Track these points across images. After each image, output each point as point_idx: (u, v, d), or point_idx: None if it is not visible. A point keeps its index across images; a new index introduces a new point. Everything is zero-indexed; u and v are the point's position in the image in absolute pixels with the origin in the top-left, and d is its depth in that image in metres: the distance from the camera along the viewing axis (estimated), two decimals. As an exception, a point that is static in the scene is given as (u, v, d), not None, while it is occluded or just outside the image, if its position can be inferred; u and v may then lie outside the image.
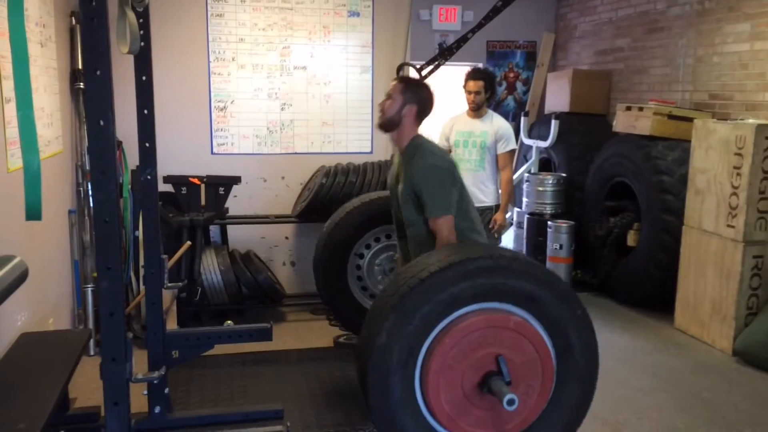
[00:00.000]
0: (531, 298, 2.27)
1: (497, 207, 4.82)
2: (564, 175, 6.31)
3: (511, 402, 2.14)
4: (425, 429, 2.26)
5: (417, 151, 2.94)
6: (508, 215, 5.22)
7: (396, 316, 2.17)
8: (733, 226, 4.39)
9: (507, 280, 2.26)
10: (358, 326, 3.63)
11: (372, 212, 3.55)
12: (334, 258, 3.64)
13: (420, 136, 3.01)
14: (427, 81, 5.23)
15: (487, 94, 4.77)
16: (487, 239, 3.35)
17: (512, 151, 4.83)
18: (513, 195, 4.90)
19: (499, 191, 4.86)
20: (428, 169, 2.85)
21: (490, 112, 4.89)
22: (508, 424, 2.30)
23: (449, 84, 5.66)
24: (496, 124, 4.78)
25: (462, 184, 3.00)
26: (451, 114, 5.11)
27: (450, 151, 4.93)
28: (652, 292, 5.25)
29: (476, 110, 4.80)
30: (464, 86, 4.84)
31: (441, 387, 2.22)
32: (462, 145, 4.84)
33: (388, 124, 2.98)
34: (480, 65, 7.45)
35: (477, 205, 4.79)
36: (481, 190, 4.79)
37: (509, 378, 2.24)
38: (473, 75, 4.82)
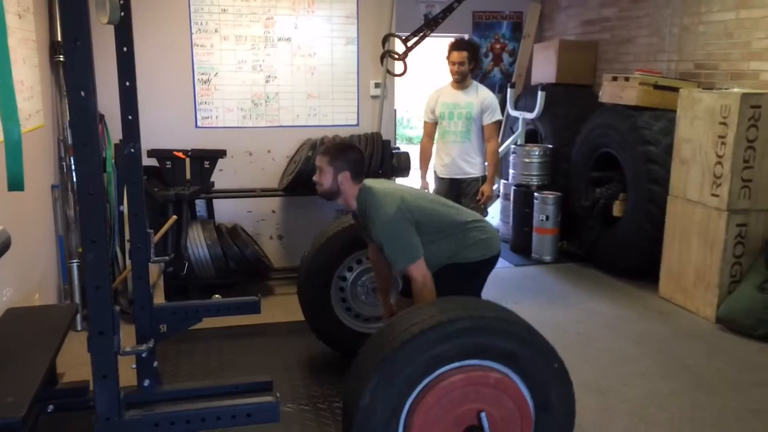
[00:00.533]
0: (510, 355, 2.33)
1: (484, 178, 4.82)
2: (550, 146, 6.32)
3: None
4: None
5: (366, 207, 3.00)
6: (494, 186, 5.22)
7: (378, 378, 2.22)
8: (717, 195, 4.43)
9: (487, 339, 2.31)
10: (344, 347, 3.73)
11: (352, 237, 3.62)
12: (318, 282, 3.72)
13: (362, 190, 3.03)
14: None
15: (471, 65, 4.75)
16: (467, 209, 3.37)
17: (498, 122, 4.83)
18: (499, 166, 4.90)
19: (486, 162, 4.86)
20: (380, 226, 2.91)
21: (475, 83, 4.86)
22: None
23: (435, 55, 5.61)
24: (481, 95, 4.76)
25: (417, 205, 3.01)
26: (436, 86, 5.09)
27: (436, 122, 4.91)
28: (638, 262, 5.30)
29: (460, 81, 4.77)
30: (447, 57, 4.81)
31: None
32: (447, 117, 4.82)
33: (330, 196, 3.06)
34: (466, 36, 7.42)
35: (463, 176, 4.81)
36: (467, 162, 4.81)
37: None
38: (457, 46, 4.78)
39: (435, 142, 5.07)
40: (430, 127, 5.01)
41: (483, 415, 2.29)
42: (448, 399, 2.27)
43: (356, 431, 2.23)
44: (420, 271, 2.90)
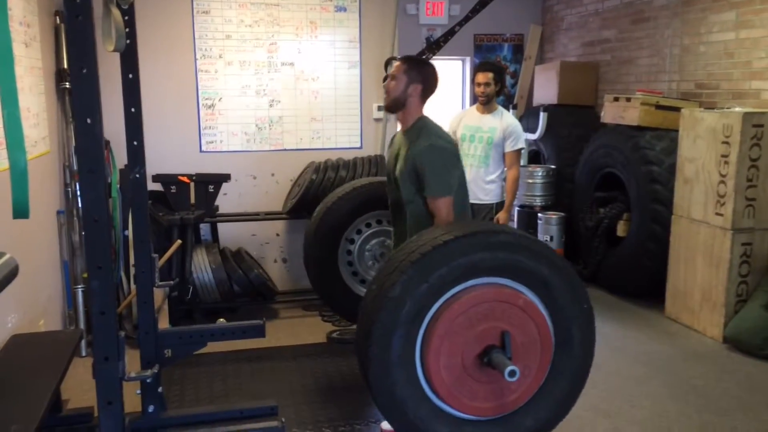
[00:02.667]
0: (544, 283, 2.29)
1: (498, 205, 4.69)
2: (553, 166, 6.33)
3: (512, 373, 2.15)
4: (416, 390, 2.26)
5: (422, 131, 2.91)
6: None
7: (414, 272, 2.17)
8: (721, 215, 4.42)
9: (526, 259, 2.27)
10: (350, 312, 3.63)
11: (362, 198, 3.54)
12: (325, 244, 3.62)
13: (426, 117, 2.99)
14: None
15: (496, 87, 4.64)
16: None
17: (520, 150, 4.68)
18: (516, 194, 4.78)
19: (503, 189, 4.72)
20: (432, 149, 2.83)
21: (501, 108, 4.74)
22: (498, 400, 2.31)
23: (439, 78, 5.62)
24: (505, 121, 4.64)
25: (462, 171, 2.97)
26: (441, 107, 5.08)
27: (456, 145, 4.83)
28: (643, 282, 5.28)
29: (486, 103, 4.65)
30: (473, 79, 4.76)
31: (442, 351, 2.22)
32: (468, 140, 4.70)
33: (394, 105, 2.96)
34: (467, 59, 7.48)
35: (475, 202, 4.74)
36: (481, 188, 4.67)
37: (510, 355, 2.27)
38: (482, 67, 4.74)
39: None
40: None
41: (508, 335, 2.25)
42: (475, 311, 2.23)
43: (379, 322, 2.17)
44: (446, 207, 2.80)
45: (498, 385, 2.28)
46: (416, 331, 2.22)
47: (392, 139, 3.20)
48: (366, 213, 3.65)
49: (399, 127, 3.06)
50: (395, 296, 2.16)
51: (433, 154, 2.83)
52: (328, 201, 3.64)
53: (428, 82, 2.94)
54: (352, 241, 3.66)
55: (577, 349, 2.38)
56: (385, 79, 5.24)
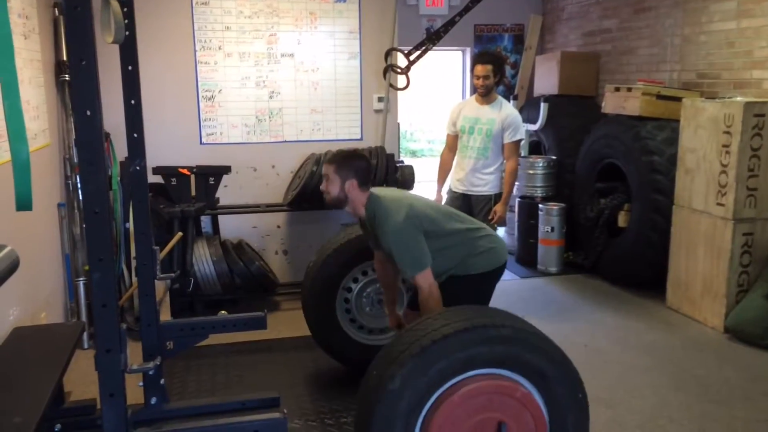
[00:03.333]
0: (541, 374, 2.33)
1: (497, 196, 4.67)
2: (554, 157, 6.32)
3: None
4: None
5: (375, 214, 3.00)
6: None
7: (413, 365, 2.22)
8: (722, 205, 4.42)
9: (525, 353, 2.32)
10: (349, 359, 3.72)
11: (358, 248, 3.62)
12: (323, 294, 3.70)
13: (370, 197, 3.04)
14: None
15: (495, 78, 4.60)
16: (475, 219, 3.38)
17: (519, 141, 4.66)
18: (514, 185, 4.75)
19: (502, 180, 4.70)
20: (390, 234, 2.91)
21: (500, 98, 4.71)
22: None
23: (438, 69, 5.62)
24: (504, 112, 4.61)
25: (425, 213, 3.02)
26: (442, 98, 5.06)
27: (457, 135, 4.82)
28: (644, 272, 5.28)
29: (485, 95, 4.62)
30: (472, 70, 4.70)
31: None
32: (467, 131, 4.68)
33: (338, 204, 3.06)
34: (467, 49, 7.45)
35: (474, 193, 4.74)
36: (480, 179, 4.66)
37: None
38: (481, 58, 4.66)
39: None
40: (452, 140, 4.86)
41: (504, 426, 2.28)
42: (473, 402, 2.25)
43: (378, 414, 2.20)
44: (427, 281, 2.90)
45: None
46: (414, 422, 2.26)
47: (361, 224, 3.30)
48: (361, 263, 3.73)
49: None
50: (395, 389, 2.21)
51: (391, 238, 2.91)
52: (323, 254, 3.74)
53: (362, 174, 3.02)
54: (350, 290, 3.75)
55: None
56: (385, 72, 5.28)
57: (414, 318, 3.06)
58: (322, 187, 3.08)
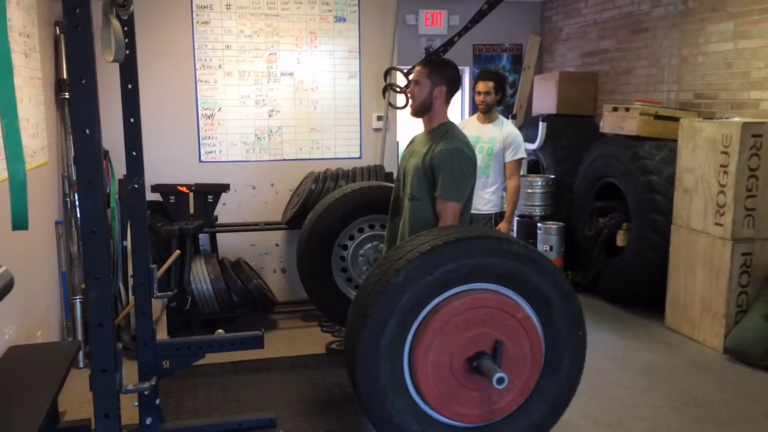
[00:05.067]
0: (546, 301, 2.29)
1: (498, 215, 4.64)
2: (553, 176, 6.34)
3: (500, 381, 2.14)
4: (398, 381, 2.25)
5: (447, 134, 2.92)
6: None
7: (420, 262, 2.16)
8: (721, 224, 4.42)
9: (534, 273, 2.27)
10: (344, 318, 3.61)
11: (353, 203, 3.52)
12: (318, 252, 3.59)
13: (452, 124, 3.01)
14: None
15: (497, 96, 4.63)
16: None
17: (520, 160, 4.65)
18: (517, 204, 4.75)
19: (503, 200, 4.70)
20: (456, 152, 2.84)
21: (502, 117, 4.72)
22: (476, 409, 2.29)
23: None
24: (505, 130, 4.62)
25: (475, 183, 2.97)
26: (455, 118, 5.07)
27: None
28: (643, 292, 5.27)
29: (486, 112, 4.64)
30: (474, 87, 4.74)
31: (433, 347, 2.21)
32: None
33: (422, 109, 2.98)
34: (467, 69, 7.49)
35: (474, 212, 4.72)
36: (481, 198, 4.60)
37: (500, 365, 2.26)
38: (483, 76, 4.73)
39: None
40: None
41: (501, 345, 2.24)
42: (473, 313, 2.22)
43: (377, 306, 2.16)
44: (453, 212, 2.79)
45: (479, 394, 2.27)
46: (412, 321, 2.21)
47: (412, 139, 3.21)
48: (358, 218, 3.63)
49: (424, 128, 3.08)
50: (398, 282, 2.15)
51: (454, 157, 2.83)
52: (319, 208, 3.64)
53: (451, 82, 2.98)
54: (345, 247, 3.64)
55: (563, 374, 2.37)
56: (384, 91, 5.30)
57: None
58: (409, 91, 3.00)
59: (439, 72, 2.96)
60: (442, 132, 2.95)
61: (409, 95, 3.02)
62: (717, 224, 4.45)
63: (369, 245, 3.67)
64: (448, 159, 2.82)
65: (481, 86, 4.62)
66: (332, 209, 3.59)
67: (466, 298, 2.21)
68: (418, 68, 3.02)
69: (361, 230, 3.66)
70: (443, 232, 2.32)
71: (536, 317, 2.30)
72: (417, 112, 3.03)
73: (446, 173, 2.82)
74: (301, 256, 3.68)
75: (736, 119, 4.54)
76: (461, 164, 2.84)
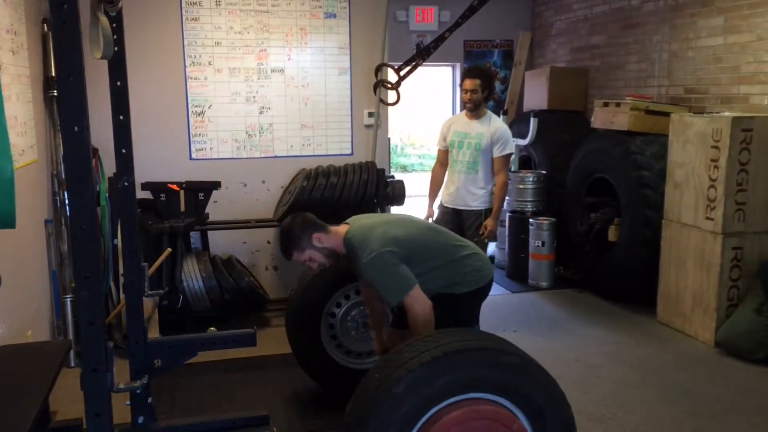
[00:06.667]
0: (539, 411, 2.32)
1: (487, 211, 4.65)
2: (544, 172, 6.35)
3: None
4: None
5: (353, 248, 2.94)
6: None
7: (421, 373, 2.19)
8: (711, 219, 4.44)
9: (528, 385, 2.30)
10: (337, 385, 3.63)
11: (338, 272, 3.58)
12: (307, 321, 3.66)
13: (346, 233, 3.00)
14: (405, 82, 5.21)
15: (484, 93, 4.59)
16: (459, 236, 3.36)
17: (508, 155, 4.65)
18: (504, 200, 4.75)
19: (492, 196, 4.68)
20: (367, 264, 2.85)
21: (490, 113, 4.71)
22: None
23: (428, 84, 5.63)
24: (493, 126, 4.61)
25: (405, 235, 2.97)
26: (441, 117, 5.03)
27: (447, 150, 4.80)
28: (634, 287, 5.29)
29: (473, 110, 4.63)
30: (461, 84, 4.70)
31: None
32: (457, 146, 4.68)
33: (333, 261, 3.09)
34: (457, 65, 7.49)
35: (465, 208, 4.71)
36: (471, 194, 4.65)
37: None
38: (469, 73, 4.69)
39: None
40: (443, 155, 4.85)
41: None
42: (471, 424, 2.22)
43: (376, 415, 2.18)
44: (418, 301, 2.80)
45: None
46: (409, 431, 2.23)
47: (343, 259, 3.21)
48: (343, 287, 3.70)
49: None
50: (398, 393, 2.18)
51: (370, 266, 2.85)
52: (303, 280, 3.72)
53: (310, 225, 3.01)
54: (333, 315, 3.71)
55: None
56: (375, 87, 5.28)
57: (398, 337, 3.03)
58: (315, 267, 3.13)
59: (300, 238, 2.97)
60: (350, 250, 2.97)
61: (312, 268, 3.17)
62: (708, 218, 4.47)
63: (356, 311, 3.75)
64: (370, 271, 2.86)
65: (468, 84, 4.59)
66: (317, 280, 3.67)
67: (465, 409, 2.24)
68: (287, 255, 3.05)
69: (347, 297, 3.73)
70: (445, 339, 2.33)
71: (530, 427, 2.33)
72: (333, 265, 3.18)
73: (379, 284, 2.88)
74: (290, 327, 3.75)
75: (726, 114, 4.56)
76: (379, 264, 2.83)
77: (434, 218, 4.85)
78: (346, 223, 3.09)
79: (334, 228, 3.03)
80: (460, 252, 3.09)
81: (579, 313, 5.29)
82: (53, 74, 4.27)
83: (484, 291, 3.16)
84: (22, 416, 2.29)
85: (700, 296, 4.57)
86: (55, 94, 4.25)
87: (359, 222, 3.08)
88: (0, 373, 2.73)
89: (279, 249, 5.39)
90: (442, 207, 4.86)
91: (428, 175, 5.08)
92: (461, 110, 5.08)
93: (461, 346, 2.26)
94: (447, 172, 4.84)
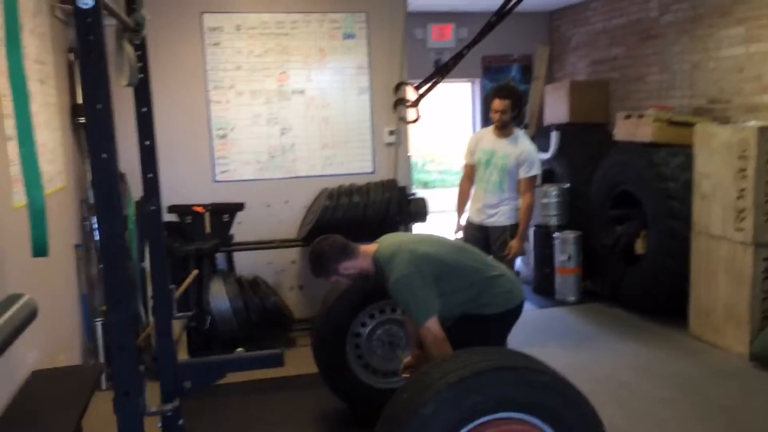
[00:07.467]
0: (570, 430, 2.29)
1: (512, 228, 4.59)
2: (567, 185, 6.30)
3: None
4: None
5: (382, 268, 2.97)
6: (525, 243, 5.02)
7: (449, 394, 2.17)
8: (742, 229, 4.37)
9: (558, 403, 2.27)
10: (365, 404, 3.62)
11: (362, 292, 3.59)
12: (332, 343, 3.66)
13: (375, 253, 3.03)
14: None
15: (513, 113, 4.55)
16: (489, 258, 3.33)
17: (534, 177, 4.60)
18: (529, 221, 4.73)
19: (517, 211, 4.63)
20: (393, 284, 2.88)
21: (517, 132, 4.65)
22: None
23: (447, 100, 5.64)
24: (520, 146, 4.56)
25: (434, 254, 2.98)
26: (461, 133, 5.02)
27: (473, 166, 4.76)
28: (664, 300, 5.21)
29: (502, 128, 4.59)
30: (490, 103, 4.65)
31: None
32: (484, 164, 4.63)
33: (364, 278, 3.11)
34: (476, 81, 7.50)
35: (490, 224, 4.67)
36: (497, 211, 4.62)
37: None
38: (499, 93, 4.61)
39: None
40: (470, 169, 4.81)
41: None
42: None
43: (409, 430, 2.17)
44: (431, 332, 2.81)
45: None
46: None
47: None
48: (367, 306, 3.71)
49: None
50: (426, 414, 2.16)
51: (395, 286, 2.88)
52: (327, 302, 3.72)
53: (340, 251, 3.03)
54: (359, 335, 3.72)
55: None
56: (395, 105, 5.30)
57: (423, 357, 3.01)
58: (343, 287, 3.16)
59: (328, 263, 3.01)
60: (380, 270, 2.99)
61: (341, 286, 3.20)
62: (737, 229, 4.40)
63: (381, 330, 3.76)
64: (394, 291, 2.90)
65: (498, 104, 4.53)
66: (340, 301, 3.66)
67: (493, 429, 2.22)
68: (317, 276, 3.11)
69: (372, 316, 3.74)
70: (473, 358, 2.32)
71: None
72: (364, 282, 3.19)
73: (404, 305, 2.91)
74: (315, 349, 3.77)
75: (752, 123, 4.50)
76: (404, 285, 2.85)
77: (464, 233, 4.84)
78: (377, 242, 3.10)
79: (363, 248, 3.04)
80: (490, 272, 3.07)
81: (608, 327, 5.22)
82: (80, 102, 4.36)
83: (513, 313, 3.11)
84: (55, 440, 2.31)
85: (732, 309, 4.49)
86: (82, 121, 4.33)
87: (389, 240, 3.10)
88: (34, 397, 2.77)
89: (304, 269, 5.45)
90: (468, 222, 4.83)
91: (449, 191, 5.08)
92: (482, 126, 5.08)
93: (489, 366, 2.24)
94: (474, 188, 4.81)
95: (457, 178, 5.02)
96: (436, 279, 2.90)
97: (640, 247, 5.43)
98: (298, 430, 2.97)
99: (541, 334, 5.10)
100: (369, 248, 3.05)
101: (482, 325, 3.01)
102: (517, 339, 4.63)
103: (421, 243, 3.03)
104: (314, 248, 3.08)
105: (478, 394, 2.19)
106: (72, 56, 4.43)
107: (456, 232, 4.86)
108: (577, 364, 4.43)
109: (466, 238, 4.70)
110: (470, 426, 2.21)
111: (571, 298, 5.91)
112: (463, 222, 4.88)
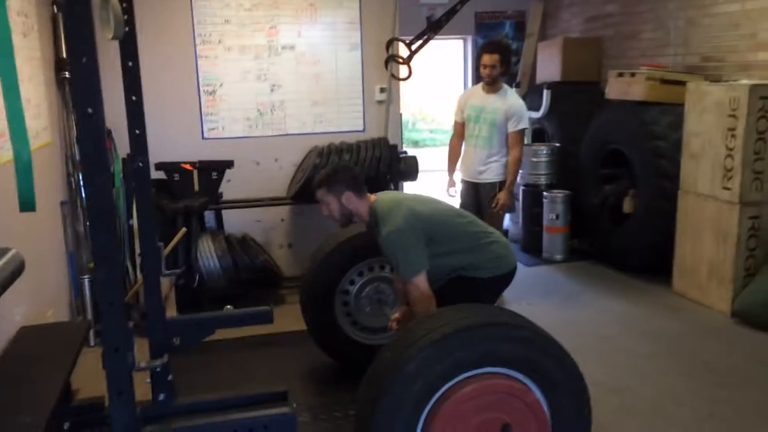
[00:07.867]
0: (552, 383, 2.32)
1: (501, 184, 4.70)
2: (558, 144, 6.30)
3: None
4: None
5: (377, 219, 3.01)
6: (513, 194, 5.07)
7: (432, 351, 2.21)
8: (728, 188, 4.39)
9: (541, 357, 2.31)
10: (353, 361, 3.64)
11: (351, 250, 3.60)
12: (320, 300, 3.68)
13: (374, 203, 3.07)
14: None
15: (502, 68, 4.63)
16: (483, 222, 3.35)
17: (522, 131, 4.68)
18: (517, 174, 4.79)
19: (506, 167, 4.72)
20: (384, 237, 2.91)
21: (506, 87, 4.73)
22: None
23: (440, 58, 5.58)
24: (508, 101, 4.65)
25: (429, 214, 3.01)
26: (453, 90, 5.03)
27: (464, 123, 4.83)
28: (650, 258, 5.27)
29: (491, 84, 4.67)
30: (478, 59, 4.72)
31: None
32: (473, 120, 4.73)
33: (347, 220, 3.12)
34: (469, 38, 7.41)
35: (480, 181, 4.75)
36: (486, 166, 4.71)
37: None
38: (488, 48, 4.69)
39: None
40: (460, 127, 4.91)
41: (508, 429, 2.27)
42: (483, 399, 2.25)
43: (389, 395, 2.21)
44: (419, 287, 2.87)
45: None
46: (422, 408, 2.25)
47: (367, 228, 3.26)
48: (356, 264, 3.71)
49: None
50: (410, 372, 2.20)
51: (387, 239, 2.91)
52: (316, 259, 3.72)
53: (352, 183, 3.08)
54: (347, 293, 3.74)
55: None
56: (386, 62, 5.24)
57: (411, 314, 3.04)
58: (324, 212, 3.12)
59: (335, 184, 3.06)
60: (374, 220, 3.02)
61: (326, 216, 3.17)
62: (725, 188, 4.42)
63: (370, 287, 3.77)
64: (386, 246, 2.92)
65: (487, 59, 4.60)
66: (329, 259, 3.67)
67: (477, 384, 2.25)
68: (317, 191, 3.13)
69: (361, 273, 3.75)
70: (455, 315, 2.34)
71: (543, 400, 2.34)
72: (346, 223, 3.20)
73: (393, 258, 2.92)
74: (304, 306, 3.78)
75: (744, 81, 4.48)
76: (397, 240, 2.89)
77: (457, 188, 4.92)
78: (376, 195, 3.15)
79: (367, 195, 3.10)
80: (484, 238, 3.11)
81: (594, 285, 5.28)
82: (64, 56, 4.27)
83: (505, 279, 3.17)
84: (46, 396, 2.34)
85: (716, 266, 4.54)
86: (67, 75, 4.25)
87: (389, 195, 3.16)
88: (23, 352, 2.78)
89: (293, 227, 5.46)
90: (463, 181, 4.91)
91: (440, 150, 5.09)
92: (474, 83, 5.05)
93: (471, 323, 2.27)
94: (464, 146, 4.86)
95: (447, 137, 5.02)
96: (430, 240, 2.94)
97: (627, 206, 5.46)
98: (287, 386, 3.00)
99: (527, 291, 5.16)
100: (369, 197, 3.12)
101: (473, 287, 3.06)
102: (504, 296, 4.69)
103: (419, 203, 3.08)
104: (337, 165, 3.19)
105: (460, 351, 2.23)
106: (55, 8, 4.32)
107: (448, 189, 4.92)
108: (563, 320, 4.50)
109: (462, 196, 4.78)
110: (453, 381, 2.25)
111: (559, 257, 5.96)
112: (456, 179, 4.95)
